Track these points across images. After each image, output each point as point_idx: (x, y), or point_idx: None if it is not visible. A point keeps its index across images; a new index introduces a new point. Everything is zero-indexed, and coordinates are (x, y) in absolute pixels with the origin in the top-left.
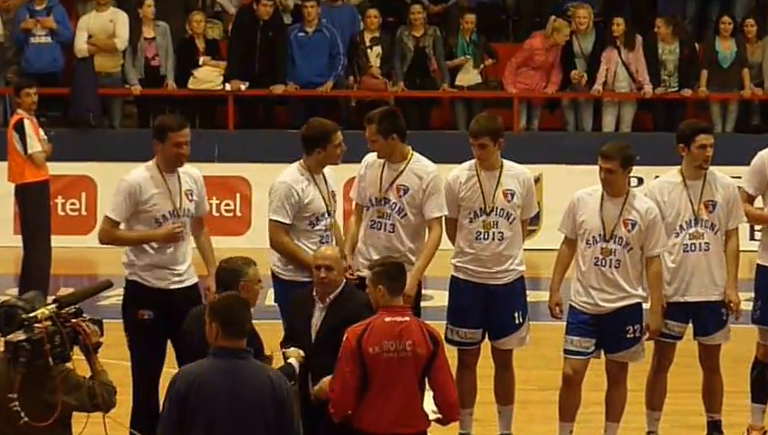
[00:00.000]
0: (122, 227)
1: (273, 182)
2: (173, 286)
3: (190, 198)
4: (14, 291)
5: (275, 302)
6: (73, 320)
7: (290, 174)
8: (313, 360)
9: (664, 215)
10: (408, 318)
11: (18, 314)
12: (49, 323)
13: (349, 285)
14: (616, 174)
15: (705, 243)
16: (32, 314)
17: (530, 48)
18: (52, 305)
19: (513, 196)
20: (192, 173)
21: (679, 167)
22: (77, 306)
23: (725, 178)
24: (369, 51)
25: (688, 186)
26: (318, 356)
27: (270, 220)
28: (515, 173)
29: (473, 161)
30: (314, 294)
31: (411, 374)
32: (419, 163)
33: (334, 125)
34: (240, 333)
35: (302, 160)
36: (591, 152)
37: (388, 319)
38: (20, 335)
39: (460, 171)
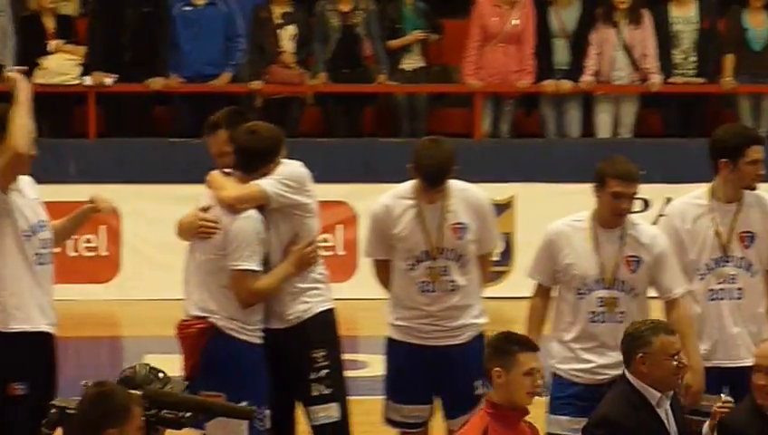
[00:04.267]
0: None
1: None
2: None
3: None
4: None
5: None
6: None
7: None
8: None
9: (687, 249)
10: None
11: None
12: None
13: None
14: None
15: (739, 289)
16: None
17: (479, 15)
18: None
19: (464, 230)
20: None
21: (709, 185)
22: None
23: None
24: (279, 31)
25: (719, 212)
26: None
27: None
28: (465, 197)
29: (408, 185)
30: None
31: None
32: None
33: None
34: None
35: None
36: (580, 166)
37: None
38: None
39: (393, 200)
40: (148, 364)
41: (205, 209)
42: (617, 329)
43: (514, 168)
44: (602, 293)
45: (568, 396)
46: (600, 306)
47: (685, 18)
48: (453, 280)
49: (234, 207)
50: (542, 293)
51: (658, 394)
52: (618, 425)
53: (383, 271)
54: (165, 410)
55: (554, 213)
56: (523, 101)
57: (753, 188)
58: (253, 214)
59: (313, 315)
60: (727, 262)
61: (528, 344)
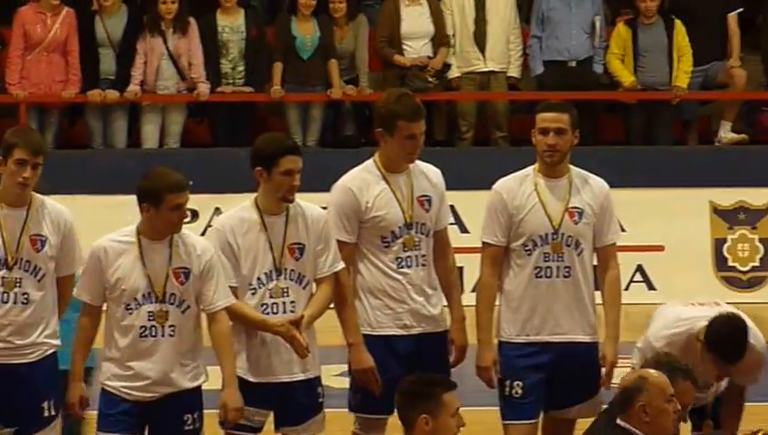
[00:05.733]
0: None
1: None
2: None
3: None
4: None
5: None
6: None
7: None
8: None
9: (239, 264)
10: None
11: None
12: None
13: None
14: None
15: (292, 302)
16: None
17: (21, 23)
18: None
19: (43, 243)
20: None
21: (255, 196)
22: None
23: (314, 209)
24: None
25: (267, 224)
26: None
27: None
28: (48, 212)
29: None
30: None
31: None
32: None
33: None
34: None
35: None
36: (127, 177)
37: None
38: None
39: None
40: None
41: None
42: (157, 344)
43: (61, 179)
44: (152, 307)
45: (118, 413)
46: (151, 320)
47: (232, 27)
48: (26, 293)
49: None
50: (91, 311)
51: None
52: None
53: None
54: None
55: (101, 226)
56: (68, 112)
57: (290, 201)
58: None
59: None
60: (280, 275)
61: (448, 383)
